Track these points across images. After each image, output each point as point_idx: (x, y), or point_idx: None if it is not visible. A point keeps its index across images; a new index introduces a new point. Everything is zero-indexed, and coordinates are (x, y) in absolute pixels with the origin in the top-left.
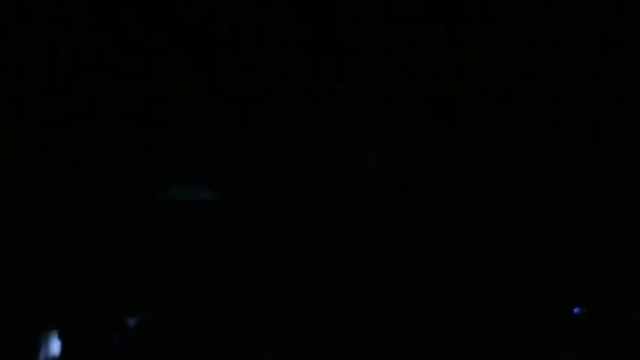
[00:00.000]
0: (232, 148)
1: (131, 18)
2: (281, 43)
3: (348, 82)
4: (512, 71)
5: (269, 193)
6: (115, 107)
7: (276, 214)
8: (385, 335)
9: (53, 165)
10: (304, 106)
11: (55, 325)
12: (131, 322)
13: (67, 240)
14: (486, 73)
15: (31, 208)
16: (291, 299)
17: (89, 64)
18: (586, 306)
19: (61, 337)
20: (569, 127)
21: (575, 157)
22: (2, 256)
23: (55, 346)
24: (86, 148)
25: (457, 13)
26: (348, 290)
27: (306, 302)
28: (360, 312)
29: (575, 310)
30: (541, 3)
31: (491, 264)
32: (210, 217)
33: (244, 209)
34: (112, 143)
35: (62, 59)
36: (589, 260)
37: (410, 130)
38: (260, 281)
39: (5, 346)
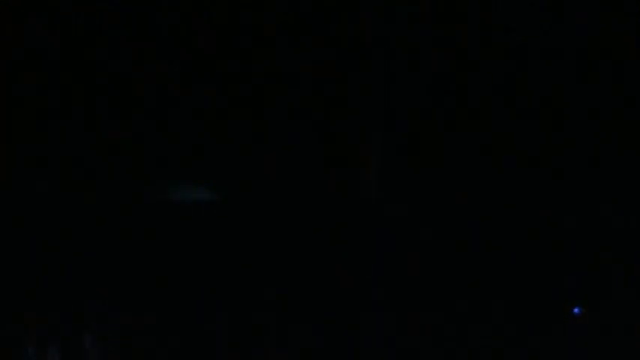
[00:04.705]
0: (232, 148)
1: (132, 18)
2: (282, 43)
3: (349, 82)
4: (512, 71)
5: (269, 193)
6: (114, 107)
7: (276, 214)
8: (385, 334)
9: (52, 165)
10: (305, 105)
11: (50, 326)
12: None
13: (65, 241)
14: (487, 73)
15: (29, 208)
16: (290, 298)
17: (90, 64)
18: (586, 306)
19: (56, 339)
20: (569, 128)
21: (574, 156)
22: (2, 257)
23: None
24: (85, 148)
25: (457, 14)
26: (348, 290)
27: (306, 302)
28: (360, 311)
29: (575, 310)
30: (542, 6)
31: (491, 264)
32: (209, 218)
33: (244, 209)
34: (111, 143)
35: (64, 59)
36: (589, 260)
37: (410, 130)
38: (259, 281)
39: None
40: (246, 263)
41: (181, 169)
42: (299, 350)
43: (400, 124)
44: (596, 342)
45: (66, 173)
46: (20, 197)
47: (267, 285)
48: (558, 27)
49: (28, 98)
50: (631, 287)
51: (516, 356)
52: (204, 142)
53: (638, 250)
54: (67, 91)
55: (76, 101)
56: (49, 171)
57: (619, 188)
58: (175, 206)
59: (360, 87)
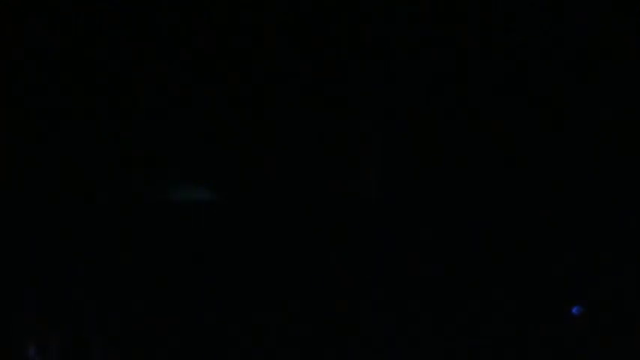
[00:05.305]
0: (232, 148)
1: (132, 18)
2: (282, 43)
3: (349, 82)
4: (512, 71)
5: (268, 193)
6: (114, 107)
7: (276, 214)
8: (385, 334)
9: (52, 165)
10: (305, 105)
11: (50, 326)
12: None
13: (65, 241)
14: (487, 73)
15: (29, 208)
16: (290, 298)
17: (90, 64)
18: (586, 306)
19: (56, 339)
20: (569, 128)
21: (574, 156)
22: (2, 257)
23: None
24: (85, 148)
25: (457, 14)
26: (348, 289)
27: (306, 302)
28: (361, 312)
29: (574, 310)
30: (542, 6)
31: (491, 264)
32: (209, 218)
33: (244, 209)
34: (111, 143)
35: (64, 59)
36: (589, 259)
37: (410, 130)
38: (259, 281)
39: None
40: (246, 263)
41: (181, 169)
42: (299, 350)
43: (400, 124)
44: (596, 342)
45: (66, 173)
46: (20, 197)
47: (267, 285)
48: (558, 27)
49: (28, 98)
50: (631, 287)
51: (516, 356)
52: (204, 142)
53: (638, 250)
54: (67, 91)
55: (76, 101)
56: (49, 171)
57: (619, 188)
58: (175, 206)
59: (360, 87)
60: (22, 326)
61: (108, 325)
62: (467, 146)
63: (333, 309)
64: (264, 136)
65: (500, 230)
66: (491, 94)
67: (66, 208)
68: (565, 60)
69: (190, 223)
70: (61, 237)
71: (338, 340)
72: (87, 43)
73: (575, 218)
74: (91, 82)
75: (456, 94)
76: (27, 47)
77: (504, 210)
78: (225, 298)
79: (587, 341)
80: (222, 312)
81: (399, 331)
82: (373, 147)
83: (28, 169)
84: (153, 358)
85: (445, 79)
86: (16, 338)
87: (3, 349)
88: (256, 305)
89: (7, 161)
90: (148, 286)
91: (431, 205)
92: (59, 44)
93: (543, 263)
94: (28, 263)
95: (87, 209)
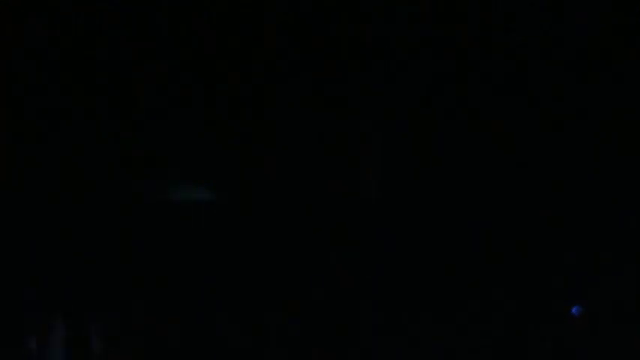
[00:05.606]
0: (232, 148)
1: (131, 16)
2: (282, 43)
3: (349, 82)
4: (512, 71)
5: (268, 193)
6: (114, 107)
7: (276, 214)
8: (385, 334)
9: (52, 165)
10: (305, 105)
11: (50, 326)
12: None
13: (65, 241)
14: (487, 73)
15: (29, 208)
16: (290, 298)
17: (90, 64)
18: (585, 306)
19: (57, 338)
20: (569, 128)
21: (573, 156)
22: (2, 257)
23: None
24: (85, 148)
25: (457, 14)
26: (348, 290)
27: (306, 302)
28: (360, 311)
29: (574, 310)
30: (543, 6)
31: (491, 264)
32: (209, 218)
33: (244, 209)
34: (111, 143)
35: (64, 59)
36: (588, 259)
37: (410, 130)
38: (259, 281)
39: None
40: (246, 263)
41: (181, 169)
42: (299, 350)
43: (400, 124)
44: (596, 342)
45: (66, 173)
46: (20, 197)
47: (267, 285)
48: (558, 27)
49: (28, 98)
50: (631, 287)
51: (516, 356)
52: (205, 142)
53: (638, 250)
54: (67, 91)
55: (76, 101)
56: (49, 171)
57: (619, 188)
58: (175, 206)
59: (360, 87)
60: (22, 326)
61: (108, 325)
62: (467, 146)
63: (333, 309)
64: (264, 136)
65: (500, 230)
66: (492, 94)
67: (66, 208)
68: (565, 60)
69: (190, 223)
70: (61, 237)
71: (338, 340)
72: (87, 43)
73: (575, 218)
74: (91, 82)
75: (456, 94)
76: (27, 47)
77: (504, 210)
78: (225, 297)
79: (587, 341)
80: (223, 312)
81: (399, 331)
82: (373, 147)
83: (28, 169)
84: (153, 358)
85: (445, 79)
86: (16, 338)
87: (3, 348)
88: (256, 305)
89: (7, 161)
90: (147, 286)
91: (430, 205)
92: (59, 44)
93: (543, 263)
94: (28, 263)
95: (87, 209)
